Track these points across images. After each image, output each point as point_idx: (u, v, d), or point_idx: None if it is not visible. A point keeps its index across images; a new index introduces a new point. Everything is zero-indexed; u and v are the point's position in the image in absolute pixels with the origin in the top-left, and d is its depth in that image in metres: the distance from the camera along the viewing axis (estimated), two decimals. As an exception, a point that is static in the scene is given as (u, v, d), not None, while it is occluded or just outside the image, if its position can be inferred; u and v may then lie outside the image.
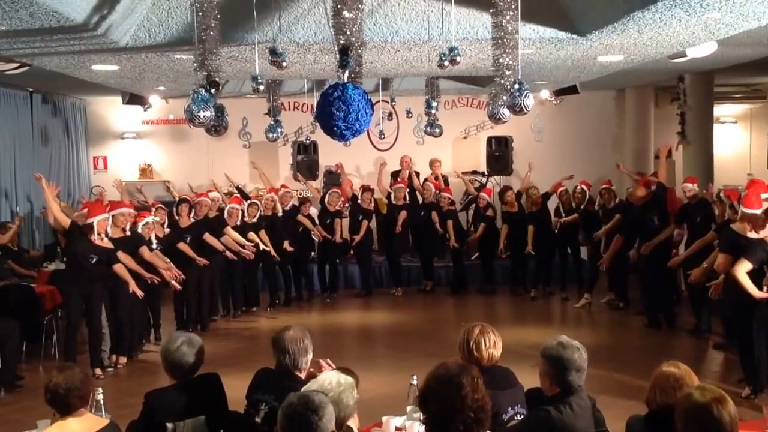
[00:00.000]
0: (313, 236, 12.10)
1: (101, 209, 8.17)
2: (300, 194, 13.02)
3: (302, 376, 4.09)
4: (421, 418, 3.10)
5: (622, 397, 6.72)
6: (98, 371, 7.99)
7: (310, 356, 4.15)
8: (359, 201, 12.21)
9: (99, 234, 7.93)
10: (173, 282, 8.80)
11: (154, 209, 9.49)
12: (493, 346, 4.07)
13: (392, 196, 12.33)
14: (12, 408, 7.09)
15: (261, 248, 10.67)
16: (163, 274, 8.68)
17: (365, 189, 12.29)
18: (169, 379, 4.26)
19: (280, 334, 4.14)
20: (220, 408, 4.32)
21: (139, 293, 8.10)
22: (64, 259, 9.04)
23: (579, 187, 11.29)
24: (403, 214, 12.13)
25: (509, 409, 3.94)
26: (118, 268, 8.03)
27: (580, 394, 3.66)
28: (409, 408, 4.13)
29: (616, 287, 10.89)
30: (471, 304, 11.69)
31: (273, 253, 10.84)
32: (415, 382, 4.12)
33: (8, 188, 11.56)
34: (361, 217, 12.10)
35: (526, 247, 11.48)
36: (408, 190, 12.52)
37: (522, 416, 3.93)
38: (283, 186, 12.03)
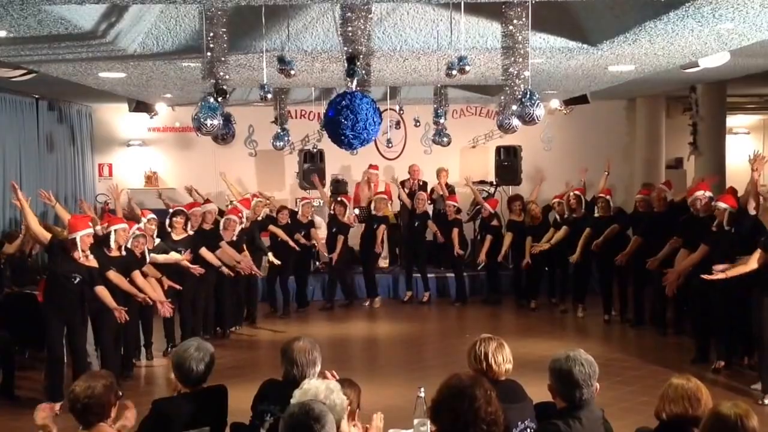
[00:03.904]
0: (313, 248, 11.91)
1: (85, 224, 7.35)
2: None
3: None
4: (432, 429, 3.06)
5: (631, 409, 6.69)
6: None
7: (318, 368, 4.14)
8: (334, 213, 11.89)
9: (83, 251, 7.11)
10: (163, 309, 8.14)
11: (145, 219, 8.85)
12: (508, 361, 4.05)
13: (372, 205, 12.13)
14: (12, 416, 7.01)
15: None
16: (156, 300, 8.04)
17: (338, 203, 11.95)
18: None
19: (289, 345, 4.15)
20: (223, 420, 4.31)
21: (123, 318, 7.31)
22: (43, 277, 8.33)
23: (573, 193, 11.11)
24: (382, 227, 12.00)
25: (519, 423, 3.91)
26: (100, 290, 7.23)
27: (589, 408, 3.63)
28: (416, 421, 4.07)
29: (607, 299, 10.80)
30: (474, 315, 11.58)
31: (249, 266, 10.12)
32: (422, 395, 4.07)
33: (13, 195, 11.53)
34: (334, 229, 11.81)
35: (525, 258, 11.40)
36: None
37: (532, 430, 3.91)
38: (254, 195, 11.64)
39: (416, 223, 12.12)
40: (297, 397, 3.47)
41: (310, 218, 11.81)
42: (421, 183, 13.14)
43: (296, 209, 11.92)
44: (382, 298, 12.27)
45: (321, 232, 12.10)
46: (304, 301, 11.90)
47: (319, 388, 3.51)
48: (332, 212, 11.90)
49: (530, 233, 11.46)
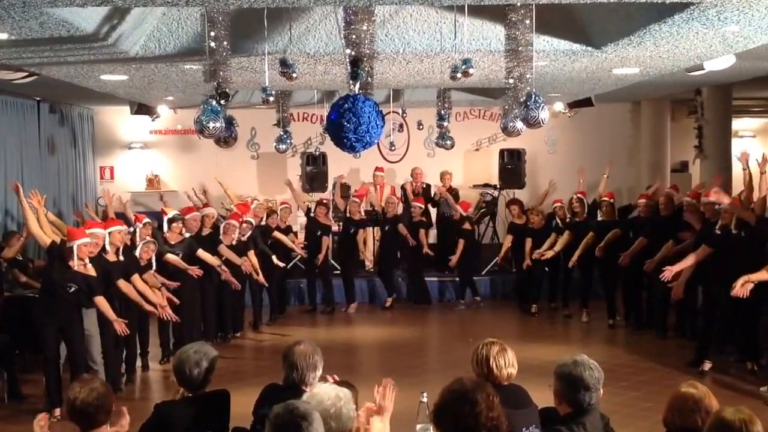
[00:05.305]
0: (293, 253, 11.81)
1: (83, 232, 7.24)
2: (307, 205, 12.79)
3: (307, 391, 4.02)
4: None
5: (636, 415, 6.63)
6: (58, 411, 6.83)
7: (318, 372, 4.11)
8: (312, 215, 11.81)
9: (81, 259, 6.96)
10: (165, 313, 7.97)
11: (140, 224, 8.67)
12: (510, 365, 4.01)
13: (347, 210, 12.01)
14: (11, 420, 7.00)
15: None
16: (156, 304, 7.89)
17: (319, 203, 11.90)
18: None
19: (290, 349, 4.13)
20: (224, 425, 4.30)
21: (124, 330, 7.15)
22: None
23: (575, 196, 11.04)
24: (360, 231, 12.08)
25: (524, 429, 3.87)
26: (99, 301, 7.06)
27: (593, 414, 3.61)
28: (418, 426, 4.03)
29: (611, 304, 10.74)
30: (475, 319, 11.50)
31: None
32: (425, 400, 4.02)
33: (15, 197, 11.49)
34: (319, 232, 11.72)
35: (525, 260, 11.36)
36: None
37: (537, 436, 3.87)
38: (253, 199, 11.64)
39: (386, 228, 12.12)
40: (304, 400, 3.43)
41: (288, 223, 11.78)
42: (424, 186, 13.12)
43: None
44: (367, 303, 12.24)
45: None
46: (284, 306, 11.79)
47: (329, 394, 3.43)
48: (313, 214, 11.80)
49: (531, 236, 11.42)
